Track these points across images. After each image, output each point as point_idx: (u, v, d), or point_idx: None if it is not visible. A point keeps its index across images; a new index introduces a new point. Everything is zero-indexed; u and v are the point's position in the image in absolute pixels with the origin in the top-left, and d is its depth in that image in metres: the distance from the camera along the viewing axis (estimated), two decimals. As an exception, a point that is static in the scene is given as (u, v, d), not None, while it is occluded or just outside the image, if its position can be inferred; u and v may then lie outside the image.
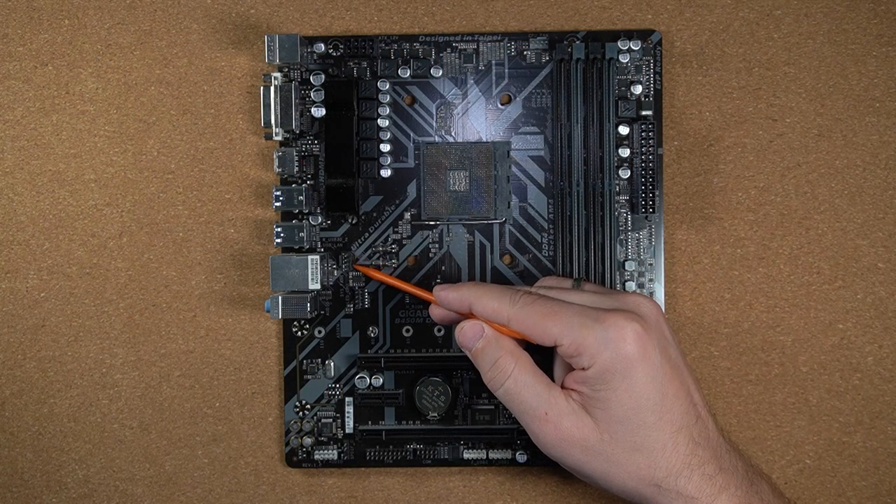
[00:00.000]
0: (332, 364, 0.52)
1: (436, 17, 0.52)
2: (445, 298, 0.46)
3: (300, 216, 0.51)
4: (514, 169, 0.51)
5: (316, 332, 0.52)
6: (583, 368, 0.43)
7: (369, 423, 0.52)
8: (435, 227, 0.52)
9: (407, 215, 0.52)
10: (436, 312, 0.47)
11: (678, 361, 0.44)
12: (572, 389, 0.44)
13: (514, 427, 0.51)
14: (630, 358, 0.42)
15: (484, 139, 0.51)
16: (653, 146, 0.50)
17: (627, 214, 0.51)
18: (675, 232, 0.52)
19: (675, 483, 0.42)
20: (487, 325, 0.45)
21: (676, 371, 0.43)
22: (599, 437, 0.43)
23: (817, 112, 0.52)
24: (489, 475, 0.53)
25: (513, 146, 0.51)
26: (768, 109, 0.52)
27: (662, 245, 0.51)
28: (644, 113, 0.50)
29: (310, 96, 0.51)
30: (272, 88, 0.50)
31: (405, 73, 0.51)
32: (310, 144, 0.51)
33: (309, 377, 0.52)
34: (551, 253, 0.51)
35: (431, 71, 0.51)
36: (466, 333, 0.45)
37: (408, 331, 0.52)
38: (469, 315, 0.46)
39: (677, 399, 0.43)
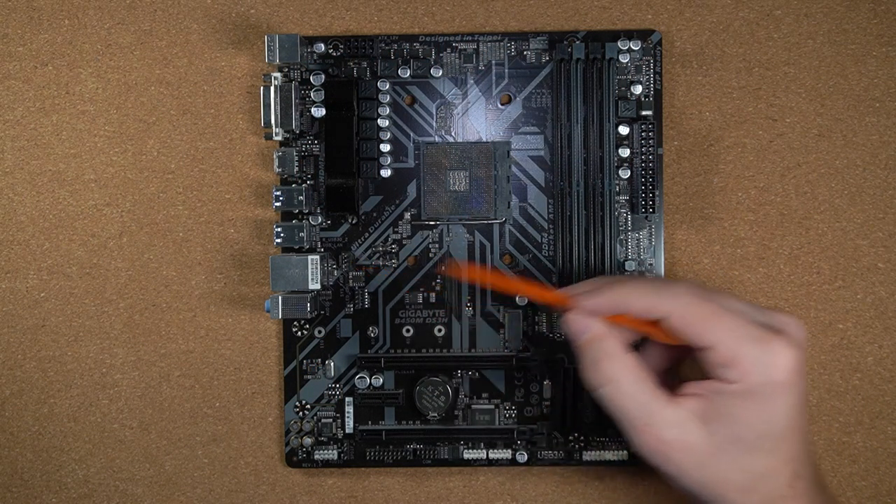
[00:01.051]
0: (332, 364, 0.52)
1: (436, 17, 0.52)
2: (595, 306, 0.43)
3: (300, 216, 0.51)
4: (514, 169, 0.51)
5: (316, 332, 0.52)
6: (727, 381, 0.42)
7: (369, 423, 0.52)
8: (435, 227, 0.52)
9: (407, 215, 0.52)
10: (575, 325, 0.44)
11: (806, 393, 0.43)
12: (694, 395, 0.42)
13: (515, 427, 0.51)
14: (778, 386, 0.41)
15: (484, 139, 0.51)
16: (653, 146, 0.50)
17: (627, 214, 0.51)
18: (675, 232, 0.52)
19: None
20: (599, 321, 0.43)
21: (805, 404, 0.43)
22: (705, 449, 0.42)
23: (817, 112, 0.52)
24: (489, 475, 0.53)
25: (513, 146, 0.51)
26: (768, 109, 0.52)
27: (662, 245, 0.51)
28: (644, 113, 0.50)
29: (310, 96, 0.51)
30: (272, 88, 0.50)
31: (405, 73, 0.51)
32: (310, 144, 0.51)
33: (309, 377, 0.52)
34: (551, 253, 0.51)
35: (431, 71, 0.51)
36: (574, 326, 0.44)
37: (408, 331, 0.52)
38: (619, 318, 0.44)
39: (798, 432, 0.42)
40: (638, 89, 0.50)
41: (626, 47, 0.50)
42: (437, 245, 0.52)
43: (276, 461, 0.53)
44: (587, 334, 0.43)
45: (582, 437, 0.51)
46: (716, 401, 0.42)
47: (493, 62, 0.51)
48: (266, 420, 0.53)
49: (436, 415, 0.51)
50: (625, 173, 0.51)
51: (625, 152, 0.50)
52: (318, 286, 0.50)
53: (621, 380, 0.43)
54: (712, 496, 0.43)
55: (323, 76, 0.51)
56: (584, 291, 0.44)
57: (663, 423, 0.42)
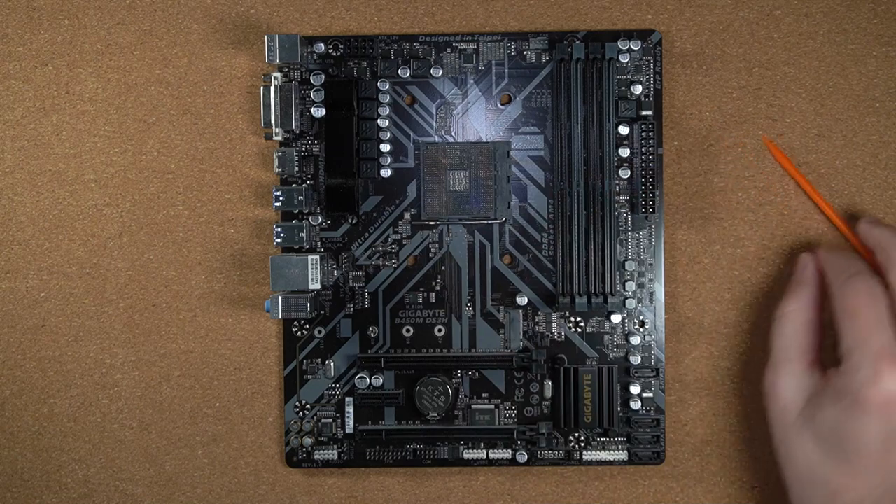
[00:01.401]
0: (332, 364, 0.52)
1: (436, 17, 0.52)
2: (821, 261, 0.47)
3: (300, 216, 0.51)
4: (514, 169, 0.51)
5: (316, 332, 0.52)
6: (837, 370, 0.43)
7: (369, 423, 0.52)
8: (435, 227, 0.52)
9: (407, 215, 0.52)
10: (803, 261, 0.48)
11: None
12: (824, 372, 0.44)
13: (514, 427, 0.51)
14: (863, 405, 0.41)
15: (484, 139, 0.51)
16: (653, 146, 0.50)
17: (627, 214, 0.51)
18: (675, 232, 0.52)
19: None
20: (815, 273, 0.47)
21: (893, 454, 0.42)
22: (794, 417, 0.43)
23: (817, 112, 0.52)
24: (489, 475, 0.53)
25: (513, 146, 0.51)
26: (768, 109, 0.52)
27: (662, 245, 0.51)
28: (644, 113, 0.50)
29: (310, 96, 0.51)
30: (272, 88, 0.50)
31: (405, 73, 0.51)
32: (310, 144, 0.51)
33: (309, 377, 0.52)
34: (551, 253, 0.51)
35: (431, 71, 0.51)
36: (802, 261, 0.48)
37: (408, 331, 0.52)
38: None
39: (869, 472, 0.42)
40: (638, 89, 0.50)
41: (626, 47, 0.50)
42: (437, 245, 0.52)
43: (276, 461, 0.53)
44: (800, 273, 0.47)
45: (582, 437, 0.51)
46: (826, 385, 0.43)
47: (493, 62, 0.51)
48: (266, 420, 0.53)
49: (436, 415, 0.51)
50: (625, 173, 0.51)
51: (625, 152, 0.50)
52: (318, 286, 0.50)
53: (790, 321, 0.46)
54: (780, 465, 0.44)
55: (323, 76, 0.51)
56: (840, 250, 0.48)
57: (786, 372, 0.45)
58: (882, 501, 0.42)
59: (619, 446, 0.51)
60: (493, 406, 0.52)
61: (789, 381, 0.45)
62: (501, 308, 0.52)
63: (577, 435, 0.51)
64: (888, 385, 0.41)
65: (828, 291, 0.46)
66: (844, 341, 0.43)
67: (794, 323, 0.46)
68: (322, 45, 0.51)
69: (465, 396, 0.52)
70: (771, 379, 0.46)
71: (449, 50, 0.51)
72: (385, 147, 0.51)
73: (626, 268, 0.51)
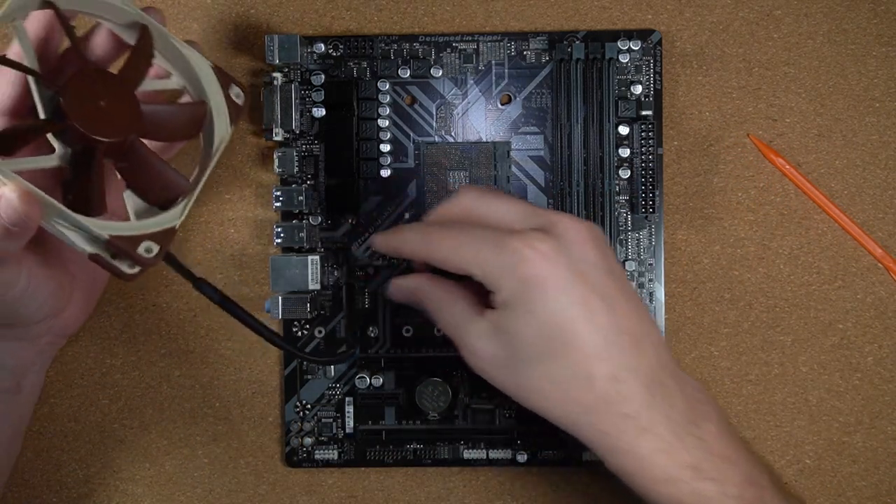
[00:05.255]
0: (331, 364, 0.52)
1: (436, 17, 0.52)
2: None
3: (300, 216, 0.51)
4: (514, 169, 0.51)
5: (316, 332, 0.52)
6: (495, 299, 0.41)
7: (369, 423, 0.52)
8: (435, 227, 0.52)
9: (407, 215, 0.52)
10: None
11: (604, 286, 0.41)
12: (492, 308, 0.42)
13: (515, 427, 0.51)
14: (528, 283, 0.40)
15: (484, 139, 0.51)
16: (653, 146, 0.50)
17: (627, 214, 0.51)
18: (675, 232, 0.52)
19: (588, 419, 0.40)
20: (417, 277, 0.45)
21: (596, 295, 0.40)
22: (502, 359, 0.41)
23: (817, 112, 0.52)
24: (489, 475, 0.53)
25: (513, 146, 0.51)
26: (768, 109, 0.52)
27: (662, 245, 0.51)
28: (644, 113, 0.50)
29: (310, 96, 0.51)
30: (272, 88, 0.50)
31: (405, 73, 0.51)
32: (310, 144, 0.51)
33: (309, 377, 0.52)
34: (551, 253, 0.51)
35: (431, 71, 0.51)
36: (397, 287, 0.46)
37: (408, 331, 0.52)
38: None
39: (592, 326, 0.40)
40: (638, 89, 0.50)
41: (626, 47, 0.50)
42: (437, 245, 0.52)
43: (276, 461, 0.53)
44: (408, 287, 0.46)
45: (582, 437, 0.51)
46: (496, 314, 0.41)
47: (493, 62, 0.51)
48: (266, 420, 0.53)
49: (436, 415, 0.51)
50: (625, 173, 0.51)
51: (625, 152, 0.50)
52: (318, 286, 0.50)
53: (442, 302, 0.44)
54: (529, 405, 0.42)
55: (323, 76, 0.51)
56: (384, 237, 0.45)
57: (469, 334, 0.42)
58: (629, 354, 0.41)
59: (619, 446, 0.51)
60: (492, 406, 0.52)
61: (476, 339, 0.42)
62: (501, 308, 0.51)
63: (577, 435, 0.51)
64: (532, 255, 0.40)
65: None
66: (477, 278, 0.41)
67: (443, 306, 0.44)
68: (322, 45, 0.51)
69: (465, 396, 0.52)
70: (462, 352, 0.43)
71: (449, 50, 0.51)
72: (385, 147, 0.51)
73: (626, 268, 0.51)
